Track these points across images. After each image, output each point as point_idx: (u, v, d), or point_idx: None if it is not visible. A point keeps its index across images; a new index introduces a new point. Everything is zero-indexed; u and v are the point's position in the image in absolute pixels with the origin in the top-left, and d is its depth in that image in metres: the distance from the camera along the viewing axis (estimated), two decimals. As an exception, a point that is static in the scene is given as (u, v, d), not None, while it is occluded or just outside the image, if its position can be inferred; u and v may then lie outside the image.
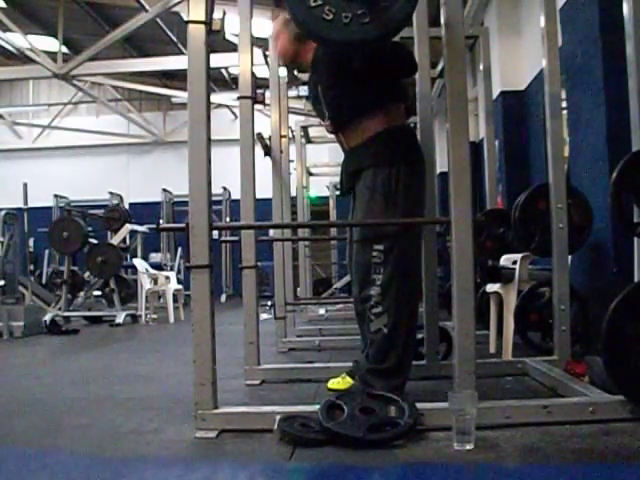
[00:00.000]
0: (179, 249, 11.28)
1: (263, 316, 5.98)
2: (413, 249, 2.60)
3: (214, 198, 2.32)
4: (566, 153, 4.13)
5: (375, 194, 2.47)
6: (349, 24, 2.04)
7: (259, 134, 3.87)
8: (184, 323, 7.03)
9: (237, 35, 3.22)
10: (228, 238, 9.48)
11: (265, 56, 4.72)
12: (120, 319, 7.02)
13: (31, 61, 8.44)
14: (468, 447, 1.85)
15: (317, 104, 2.74)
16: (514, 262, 3.80)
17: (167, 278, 7.85)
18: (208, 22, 2.21)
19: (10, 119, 14.84)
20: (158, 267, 9.60)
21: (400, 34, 4.58)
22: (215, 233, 9.49)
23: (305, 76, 4.57)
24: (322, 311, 7.25)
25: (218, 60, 7.99)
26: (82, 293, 7.99)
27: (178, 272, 9.96)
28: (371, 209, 2.47)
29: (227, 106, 12.75)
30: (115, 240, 8.19)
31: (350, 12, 2.04)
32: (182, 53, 9.50)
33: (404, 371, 2.50)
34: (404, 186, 2.47)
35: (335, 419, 2.02)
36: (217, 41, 2.50)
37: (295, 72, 5.10)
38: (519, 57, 6.45)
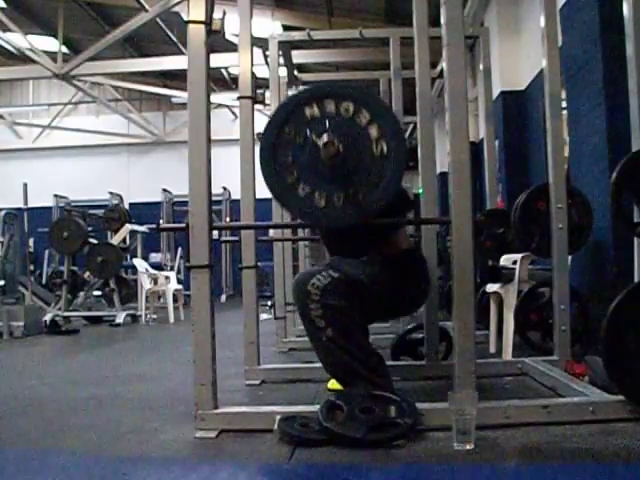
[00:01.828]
0: (179, 249, 11.29)
1: (263, 316, 5.97)
2: (364, 299, 2.48)
3: (214, 198, 2.32)
4: (566, 153, 4.14)
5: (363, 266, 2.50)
6: (326, 207, 2.04)
7: (259, 134, 3.87)
8: (184, 323, 7.03)
9: (237, 35, 3.22)
10: (228, 238, 9.46)
11: (265, 56, 4.72)
12: (120, 319, 7.02)
13: (31, 61, 8.45)
14: (468, 447, 1.85)
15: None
16: (514, 262, 3.80)
17: (167, 278, 7.86)
18: (208, 22, 2.21)
19: (10, 119, 14.84)
20: (158, 267, 9.60)
21: (400, 34, 4.58)
22: (215, 233, 9.47)
23: (305, 76, 4.59)
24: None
25: (218, 60, 8.00)
26: (82, 293, 7.99)
27: (178, 272, 9.96)
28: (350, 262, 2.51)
29: (227, 106, 12.75)
30: (115, 240, 8.19)
31: (325, 193, 2.03)
32: (182, 53, 9.49)
33: (378, 367, 2.43)
34: (393, 287, 2.50)
35: (335, 419, 2.02)
36: (217, 41, 2.50)
37: (295, 72, 5.10)
38: (519, 57, 6.45)
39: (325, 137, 1.97)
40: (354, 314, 2.42)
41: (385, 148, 2.03)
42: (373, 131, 2.04)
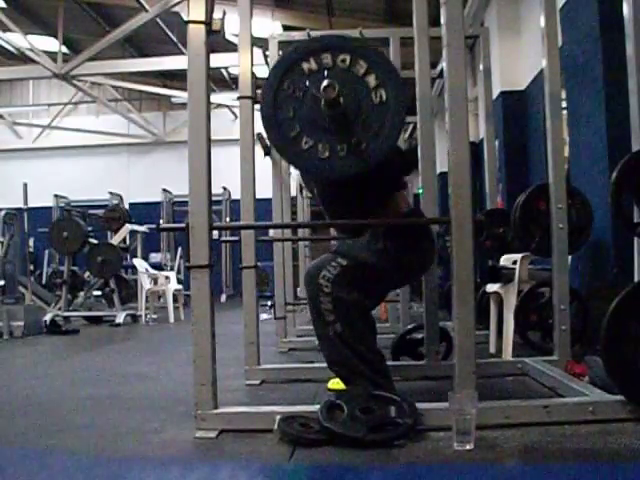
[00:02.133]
0: (179, 249, 11.29)
1: (263, 316, 5.98)
2: (374, 282, 2.50)
3: (214, 198, 2.31)
4: (566, 153, 4.14)
5: (373, 250, 2.46)
6: (328, 158, 2.04)
7: (259, 134, 3.87)
8: (184, 323, 7.03)
9: (237, 35, 3.22)
10: (228, 238, 9.48)
11: (265, 56, 4.72)
12: (120, 319, 7.02)
13: (31, 61, 8.46)
14: (468, 447, 1.85)
15: (313, 194, 2.77)
16: (514, 262, 3.80)
17: (167, 278, 7.86)
18: (208, 22, 2.20)
19: (10, 119, 14.84)
20: (158, 267, 9.60)
21: (400, 34, 4.57)
22: (215, 233, 9.48)
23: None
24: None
25: (218, 60, 8.01)
26: (82, 293, 8.00)
27: (178, 272, 9.96)
28: (357, 245, 2.48)
29: (227, 106, 12.76)
30: (115, 240, 8.19)
31: (328, 144, 2.04)
32: (182, 53, 9.50)
33: (382, 369, 2.43)
34: (403, 256, 2.47)
35: (335, 419, 2.02)
36: (217, 41, 2.50)
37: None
38: (519, 57, 6.45)
39: (325, 81, 1.98)
40: (364, 308, 2.43)
41: (384, 96, 2.05)
42: (371, 80, 2.06)
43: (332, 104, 2.01)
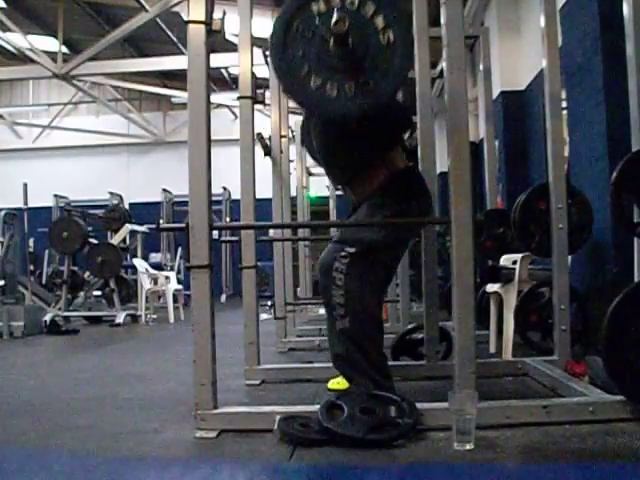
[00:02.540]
0: (179, 249, 11.29)
1: (263, 316, 5.97)
2: (386, 266, 2.53)
3: (214, 198, 2.32)
4: (566, 153, 4.14)
5: (376, 214, 2.46)
6: (337, 97, 2.05)
7: (259, 134, 3.87)
8: (184, 323, 7.03)
9: (237, 35, 3.22)
10: (228, 238, 9.48)
11: (265, 56, 4.72)
12: (120, 319, 7.02)
13: (31, 61, 8.46)
14: (468, 447, 1.85)
15: (312, 150, 2.77)
16: (514, 262, 3.80)
17: (167, 278, 7.86)
18: (208, 22, 2.21)
19: (10, 119, 14.85)
20: (158, 267, 9.60)
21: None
22: (215, 233, 9.46)
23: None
24: (322, 311, 7.23)
25: (218, 60, 8.00)
26: (82, 293, 8.00)
27: (178, 272, 9.96)
28: (360, 218, 2.49)
29: (227, 106, 12.75)
30: (115, 240, 8.19)
31: (336, 84, 2.05)
32: (182, 53, 9.50)
33: (384, 368, 2.46)
34: (404, 214, 2.46)
35: (335, 419, 2.02)
36: (217, 41, 2.50)
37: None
38: (519, 57, 6.45)
39: (335, 15, 1.98)
40: (375, 302, 2.45)
41: (392, 37, 2.06)
42: (379, 21, 2.06)
43: (341, 42, 2.01)
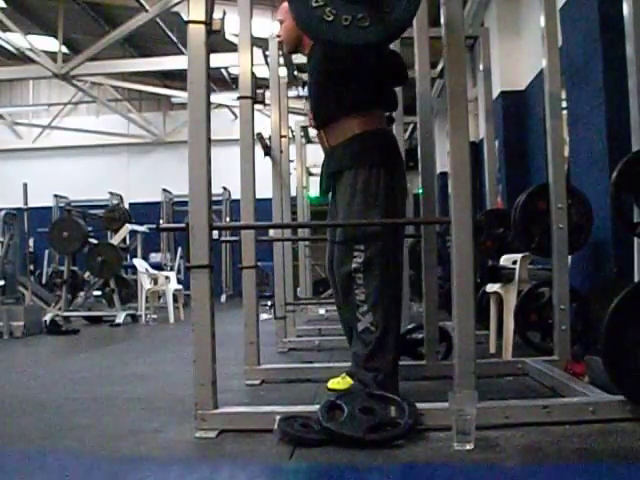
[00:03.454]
0: (179, 249, 11.29)
1: (263, 316, 5.96)
2: (394, 249, 2.57)
3: (214, 198, 2.32)
4: (566, 153, 4.13)
5: (356, 194, 2.48)
6: (349, 26, 2.07)
7: (259, 134, 3.87)
8: (184, 323, 7.03)
9: (237, 35, 3.22)
10: (228, 238, 9.48)
11: (265, 56, 4.72)
12: (120, 319, 7.02)
13: (31, 61, 8.45)
14: (468, 447, 1.85)
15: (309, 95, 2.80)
16: (514, 262, 3.80)
17: (167, 278, 7.85)
18: (208, 22, 2.21)
19: (10, 119, 14.84)
20: (158, 267, 9.60)
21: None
22: (215, 233, 9.43)
23: (305, 75, 4.57)
24: (322, 311, 7.24)
25: (218, 60, 8.00)
26: (82, 293, 8.00)
27: (178, 272, 9.96)
28: (352, 210, 2.49)
29: (227, 106, 12.75)
30: (115, 240, 8.19)
31: (350, 15, 2.06)
32: (182, 53, 9.49)
33: (395, 370, 2.51)
34: (385, 187, 2.49)
35: (335, 419, 2.02)
36: (217, 41, 2.50)
37: (295, 72, 5.10)
38: (519, 57, 6.44)
39: None
40: (394, 292, 2.49)
41: None
42: None
43: None
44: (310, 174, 9.24)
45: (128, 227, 8.58)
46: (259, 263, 3.32)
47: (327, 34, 2.12)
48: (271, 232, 4.42)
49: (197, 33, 2.20)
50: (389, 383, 2.43)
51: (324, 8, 2.07)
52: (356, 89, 2.52)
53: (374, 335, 2.43)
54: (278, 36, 2.83)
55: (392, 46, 2.61)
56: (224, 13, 2.29)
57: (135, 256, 9.50)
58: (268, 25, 8.49)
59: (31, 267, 9.92)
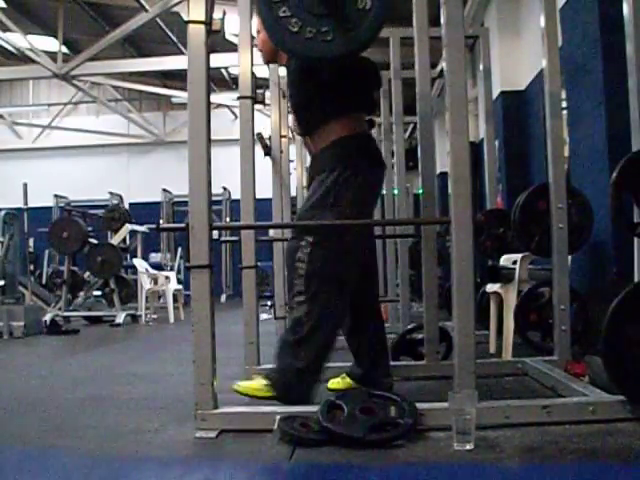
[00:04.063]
0: (179, 249, 11.29)
1: (263, 316, 5.96)
2: (343, 247, 2.54)
3: (214, 198, 2.32)
4: (566, 153, 4.13)
5: (320, 188, 2.52)
6: (312, 39, 2.11)
7: (259, 134, 3.87)
8: (184, 323, 7.03)
9: (237, 35, 3.22)
10: (228, 238, 9.47)
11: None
12: (120, 319, 7.02)
13: (31, 61, 8.45)
14: (468, 447, 1.85)
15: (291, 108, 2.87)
16: (514, 262, 3.80)
17: (167, 278, 7.86)
18: (208, 22, 2.21)
19: (10, 119, 14.83)
20: (158, 267, 9.60)
21: (400, 34, 4.58)
22: (215, 233, 9.44)
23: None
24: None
25: (218, 60, 7.99)
26: (82, 293, 7.99)
27: (178, 272, 9.96)
28: (308, 203, 2.55)
29: (227, 106, 12.74)
30: (115, 240, 8.19)
31: (315, 28, 2.10)
32: (182, 53, 9.49)
33: (317, 370, 2.49)
34: (353, 191, 2.49)
35: (335, 419, 2.02)
36: (217, 41, 2.50)
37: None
38: (519, 57, 6.44)
39: None
40: (336, 291, 2.48)
41: None
42: None
43: None
44: (310, 174, 9.23)
45: (128, 227, 8.58)
46: (259, 263, 3.31)
47: (290, 44, 2.16)
48: (271, 232, 4.42)
49: (197, 33, 2.20)
50: (305, 379, 2.42)
51: (290, 19, 2.11)
52: (334, 96, 2.56)
53: (305, 327, 2.42)
54: (256, 46, 2.84)
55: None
56: (224, 13, 2.29)
57: (135, 256, 9.49)
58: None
59: (31, 267, 9.92)
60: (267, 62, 2.96)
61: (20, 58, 9.32)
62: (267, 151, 4.31)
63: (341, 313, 2.58)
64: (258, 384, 2.49)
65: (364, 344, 2.80)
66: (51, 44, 10.50)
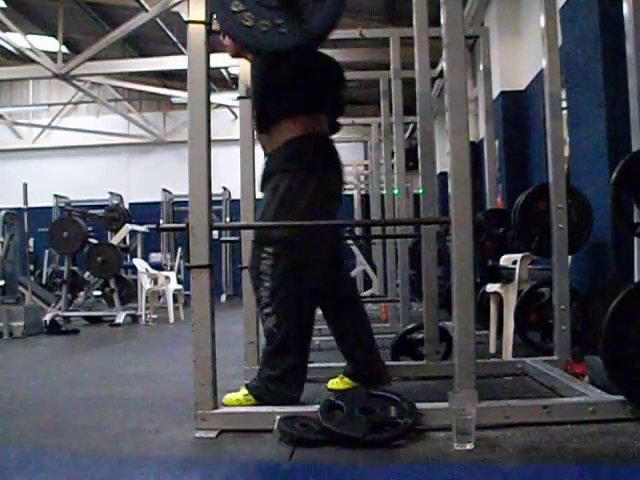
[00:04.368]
0: (179, 249, 11.29)
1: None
2: (304, 256, 2.54)
3: (214, 198, 2.32)
4: (566, 153, 4.13)
5: (274, 198, 2.50)
6: (267, 32, 2.10)
7: (259, 134, 3.86)
8: (184, 323, 7.03)
9: (237, 35, 3.21)
10: (228, 238, 9.48)
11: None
12: (120, 319, 7.02)
13: (31, 61, 8.44)
14: (468, 447, 1.85)
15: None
16: (514, 262, 3.80)
17: (167, 278, 7.85)
18: (208, 22, 2.21)
19: (10, 119, 14.83)
20: (158, 267, 9.60)
21: (400, 34, 4.58)
22: (215, 233, 9.46)
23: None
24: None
25: (218, 60, 7.98)
26: (82, 293, 7.99)
27: (178, 272, 9.96)
28: (267, 212, 2.54)
29: (227, 106, 12.74)
30: (115, 240, 8.18)
31: (269, 21, 2.09)
32: (182, 53, 9.49)
33: (293, 378, 2.50)
34: (309, 194, 2.49)
35: (335, 419, 2.02)
36: (217, 41, 2.50)
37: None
38: (519, 57, 6.44)
39: None
40: (299, 301, 2.50)
41: None
42: None
43: None
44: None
45: (128, 227, 8.58)
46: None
47: (245, 38, 2.15)
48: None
49: (197, 33, 2.20)
50: (282, 388, 2.44)
51: (244, 13, 2.10)
52: (291, 93, 2.53)
53: (276, 337, 2.45)
54: (221, 42, 2.79)
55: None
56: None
57: (135, 256, 9.50)
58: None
59: (31, 267, 9.92)
60: (232, 56, 2.83)
61: (20, 58, 9.32)
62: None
63: (310, 320, 2.60)
64: (241, 395, 2.52)
65: (352, 343, 2.80)
66: (51, 44, 10.50)
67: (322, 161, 2.57)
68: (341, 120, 2.86)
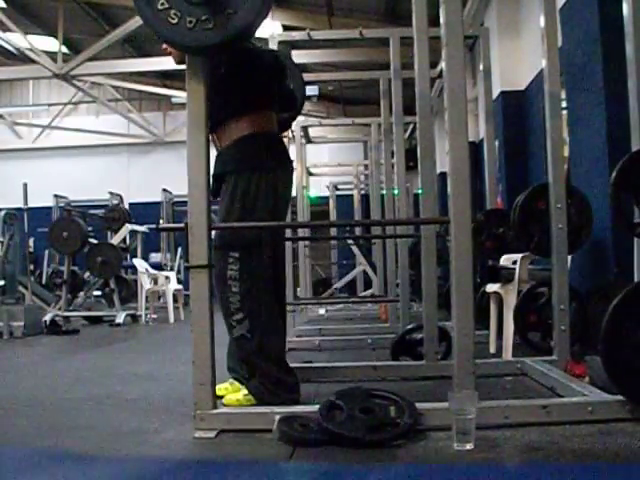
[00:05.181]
0: (179, 249, 11.28)
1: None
2: (266, 257, 2.55)
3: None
4: (566, 153, 4.13)
5: (235, 201, 2.49)
6: (193, 28, 2.09)
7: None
8: (184, 323, 7.03)
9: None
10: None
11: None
12: (120, 319, 7.02)
13: (31, 61, 8.44)
14: (468, 447, 1.85)
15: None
16: (514, 262, 3.80)
17: (167, 278, 7.86)
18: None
19: (10, 119, 14.83)
20: (158, 267, 9.59)
21: (400, 34, 4.58)
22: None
23: (305, 75, 4.60)
24: (322, 311, 7.25)
25: (218, 60, 7.99)
26: (82, 293, 7.99)
27: (178, 272, 9.96)
28: (230, 217, 2.51)
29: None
30: (115, 240, 8.19)
31: (195, 17, 2.08)
32: (182, 53, 9.47)
33: (281, 380, 2.50)
34: (265, 193, 2.50)
35: (335, 419, 2.02)
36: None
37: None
38: (519, 57, 6.45)
39: None
40: (269, 299, 2.51)
41: None
42: None
43: None
44: (310, 174, 9.24)
45: (128, 227, 8.58)
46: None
47: (173, 36, 2.14)
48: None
49: (197, 33, 2.19)
50: (278, 391, 2.46)
51: (169, 11, 2.09)
52: (241, 91, 2.53)
53: (253, 342, 2.45)
54: (165, 49, 2.76)
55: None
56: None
57: (135, 256, 9.49)
58: (268, 25, 8.49)
59: (31, 267, 9.91)
60: (178, 63, 2.64)
61: (20, 58, 9.32)
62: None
63: (279, 320, 2.61)
64: (241, 395, 2.54)
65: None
66: (51, 44, 10.50)
67: (273, 162, 2.57)
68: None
